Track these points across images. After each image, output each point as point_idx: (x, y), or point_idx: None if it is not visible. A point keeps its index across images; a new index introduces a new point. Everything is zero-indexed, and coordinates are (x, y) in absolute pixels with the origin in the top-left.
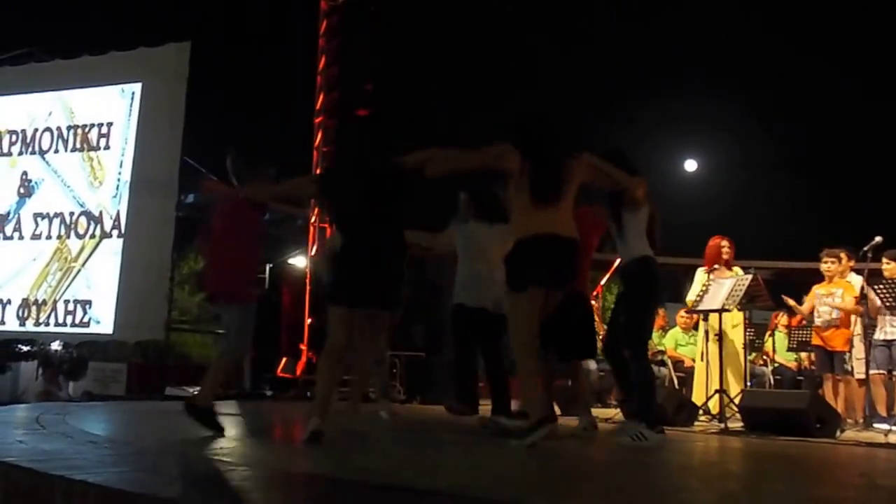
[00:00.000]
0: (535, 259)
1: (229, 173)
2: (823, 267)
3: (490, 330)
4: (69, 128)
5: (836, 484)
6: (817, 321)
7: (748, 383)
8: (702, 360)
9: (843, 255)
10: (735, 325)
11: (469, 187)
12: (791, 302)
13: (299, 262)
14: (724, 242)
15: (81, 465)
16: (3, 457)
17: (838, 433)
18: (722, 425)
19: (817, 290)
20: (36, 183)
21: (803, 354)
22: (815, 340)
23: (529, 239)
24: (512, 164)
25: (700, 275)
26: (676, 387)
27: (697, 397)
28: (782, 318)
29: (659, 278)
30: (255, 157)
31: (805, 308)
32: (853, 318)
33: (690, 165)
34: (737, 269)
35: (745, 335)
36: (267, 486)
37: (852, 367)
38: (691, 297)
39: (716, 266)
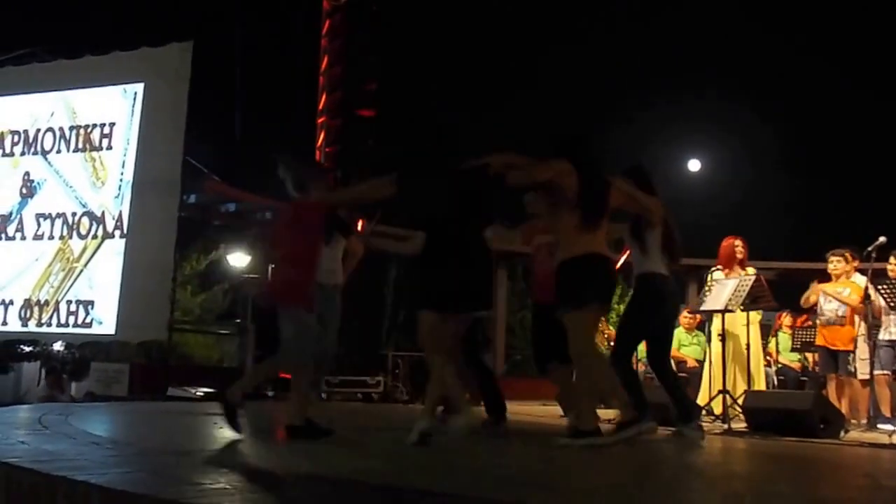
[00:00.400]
0: (591, 276)
1: (286, 179)
2: (830, 267)
3: (465, 338)
4: (71, 128)
5: (840, 485)
6: (820, 319)
7: (753, 384)
8: (710, 360)
9: (847, 255)
10: (745, 325)
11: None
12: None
13: None
14: (738, 242)
15: (84, 466)
16: (5, 457)
17: (842, 434)
18: (725, 426)
19: (824, 287)
20: (38, 183)
21: (809, 355)
22: (819, 340)
23: (582, 257)
24: (572, 186)
25: (716, 274)
26: None
27: (703, 398)
28: (786, 319)
29: (664, 298)
30: (313, 162)
31: (809, 300)
32: (857, 318)
33: (694, 165)
34: (750, 269)
35: (747, 334)
36: (268, 487)
37: (856, 369)
38: None
39: (718, 266)
